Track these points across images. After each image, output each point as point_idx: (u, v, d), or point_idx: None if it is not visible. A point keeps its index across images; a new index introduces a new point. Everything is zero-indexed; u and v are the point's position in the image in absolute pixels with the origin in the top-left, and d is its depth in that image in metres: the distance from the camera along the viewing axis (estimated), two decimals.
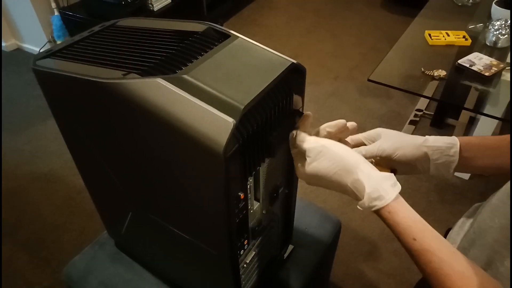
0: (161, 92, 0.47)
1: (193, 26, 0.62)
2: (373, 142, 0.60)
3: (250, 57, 0.53)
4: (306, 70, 0.55)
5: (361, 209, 0.49)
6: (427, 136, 0.58)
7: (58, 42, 2.68)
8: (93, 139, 0.64)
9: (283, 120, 0.57)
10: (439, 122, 2.15)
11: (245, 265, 0.71)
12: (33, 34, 2.78)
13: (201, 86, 0.47)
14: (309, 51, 2.86)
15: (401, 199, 0.48)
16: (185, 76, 0.48)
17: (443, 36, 1.60)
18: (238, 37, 0.56)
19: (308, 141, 0.54)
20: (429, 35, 1.61)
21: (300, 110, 0.62)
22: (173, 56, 0.54)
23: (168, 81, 0.47)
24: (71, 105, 0.62)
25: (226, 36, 0.57)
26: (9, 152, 2.13)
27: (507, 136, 0.57)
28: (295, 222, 0.88)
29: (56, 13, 2.61)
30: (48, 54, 0.62)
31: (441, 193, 1.78)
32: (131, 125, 0.54)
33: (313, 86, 2.46)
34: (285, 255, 0.91)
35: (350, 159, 0.50)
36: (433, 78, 1.46)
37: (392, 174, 0.50)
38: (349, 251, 1.58)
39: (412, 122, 2.16)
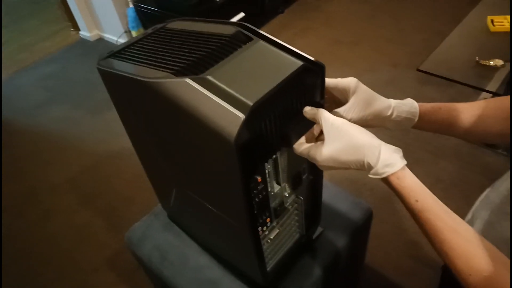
0: (188, 90, 0.57)
1: (226, 29, 0.71)
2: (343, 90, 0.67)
3: (265, 59, 0.60)
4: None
5: (373, 177, 0.57)
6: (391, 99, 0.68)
7: (133, 32, 2.94)
8: (143, 127, 0.77)
9: (300, 114, 0.64)
10: None
11: (269, 241, 0.80)
12: (112, 25, 3.08)
13: (220, 86, 0.56)
14: (368, 38, 2.79)
15: (408, 170, 0.56)
16: (209, 77, 0.57)
17: (508, 22, 1.51)
18: (259, 40, 0.64)
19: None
20: (492, 21, 1.53)
21: (321, 103, 0.68)
22: (203, 58, 0.63)
23: (195, 81, 0.57)
24: (125, 98, 0.75)
25: (250, 39, 0.65)
26: (89, 131, 2.43)
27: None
28: (326, 206, 0.95)
29: (131, 5, 2.86)
30: (109, 55, 0.75)
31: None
32: (168, 118, 0.65)
33: (370, 73, 2.42)
34: (314, 236, 0.99)
35: (362, 138, 0.58)
36: (490, 67, 1.39)
37: (400, 149, 0.57)
38: (387, 240, 1.60)
39: None
